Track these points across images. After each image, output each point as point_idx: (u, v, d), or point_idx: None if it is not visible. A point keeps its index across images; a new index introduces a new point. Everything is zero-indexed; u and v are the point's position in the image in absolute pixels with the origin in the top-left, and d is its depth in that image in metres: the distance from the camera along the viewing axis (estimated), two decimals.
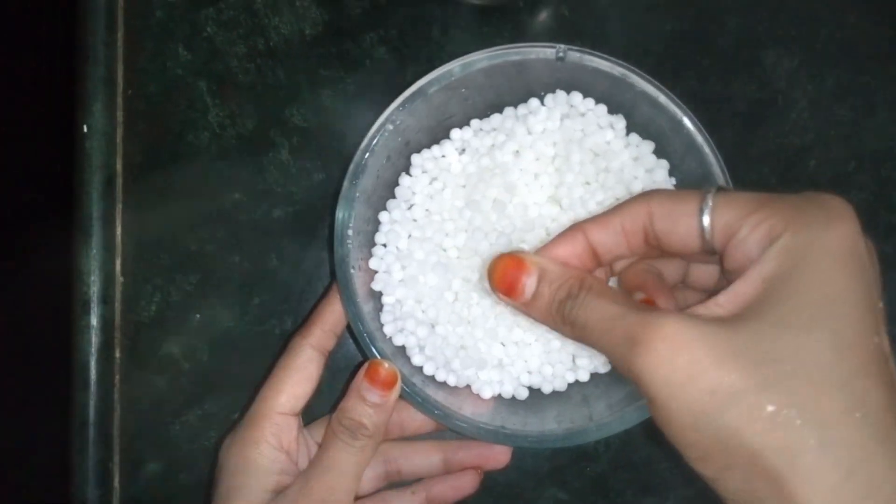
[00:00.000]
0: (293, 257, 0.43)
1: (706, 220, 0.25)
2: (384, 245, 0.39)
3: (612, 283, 0.31)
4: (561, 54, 0.35)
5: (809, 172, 0.43)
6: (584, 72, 0.36)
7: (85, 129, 0.42)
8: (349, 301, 0.36)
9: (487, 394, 0.38)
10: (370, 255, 0.38)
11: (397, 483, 0.39)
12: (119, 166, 0.43)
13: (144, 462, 0.42)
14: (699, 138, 0.35)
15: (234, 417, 0.42)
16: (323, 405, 0.41)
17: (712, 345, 0.23)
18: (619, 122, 0.38)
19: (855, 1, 0.43)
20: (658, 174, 0.37)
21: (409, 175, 0.39)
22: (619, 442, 0.42)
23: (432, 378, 0.38)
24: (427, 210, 0.39)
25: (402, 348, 0.38)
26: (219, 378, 0.42)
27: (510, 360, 0.38)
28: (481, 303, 0.38)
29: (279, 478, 0.36)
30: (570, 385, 0.38)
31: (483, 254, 0.37)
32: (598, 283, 0.27)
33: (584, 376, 0.38)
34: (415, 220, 0.39)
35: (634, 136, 0.38)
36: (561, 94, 0.38)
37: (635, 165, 0.37)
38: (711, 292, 0.29)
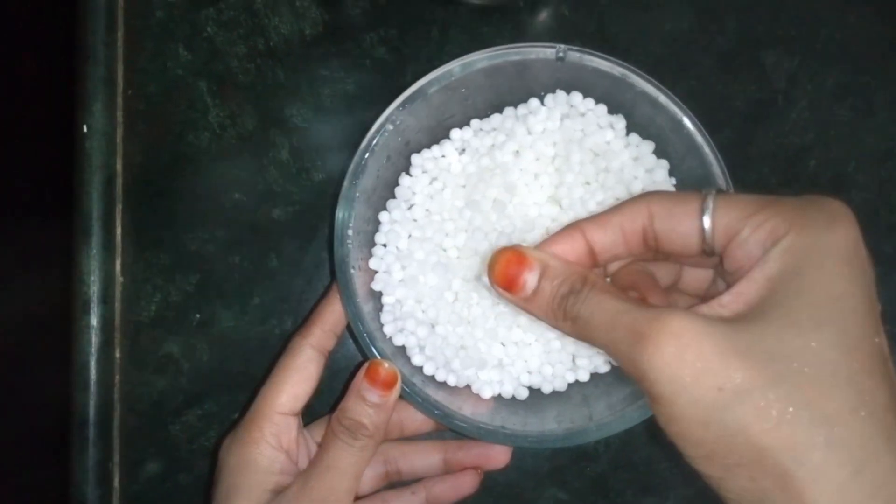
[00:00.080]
0: (293, 257, 0.43)
1: (707, 220, 0.25)
2: (384, 245, 0.39)
3: None
4: (561, 54, 0.35)
5: (809, 172, 0.43)
6: (584, 72, 0.36)
7: (85, 129, 0.42)
8: (349, 301, 0.36)
9: (487, 394, 0.38)
10: (370, 255, 0.38)
11: (397, 483, 0.39)
12: (119, 166, 0.43)
13: (144, 462, 0.42)
14: (699, 138, 0.35)
15: (234, 417, 0.42)
16: (323, 405, 0.41)
17: (719, 342, 0.23)
18: (619, 122, 0.38)
19: (855, 1, 0.43)
20: (658, 174, 0.37)
21: (409, 175, 0.39)
22: (619, 442, 0.42)
23: (432, 378, 0.38)
24: (427, 210, 0.39)
25: (402, 348, 0.38)
26: (219, 378, 0.42)
27: (510, 360, 0.38)
28: (481, 303, 0.38)
29: (279, 478, 0.36)
30: (570, 385, 0.38)
31: (483, 254, 0.37)
32: (601, 280, 0.27)
33: (584, 376, 0.38)
34: (415, 220, 0.39)
35: (634, 136, 0.38)
36: (561, 94, 0.38)
37: (635, 165, 0.37)
38: (702, 297, 0.29)
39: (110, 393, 0.42)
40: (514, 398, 0.38)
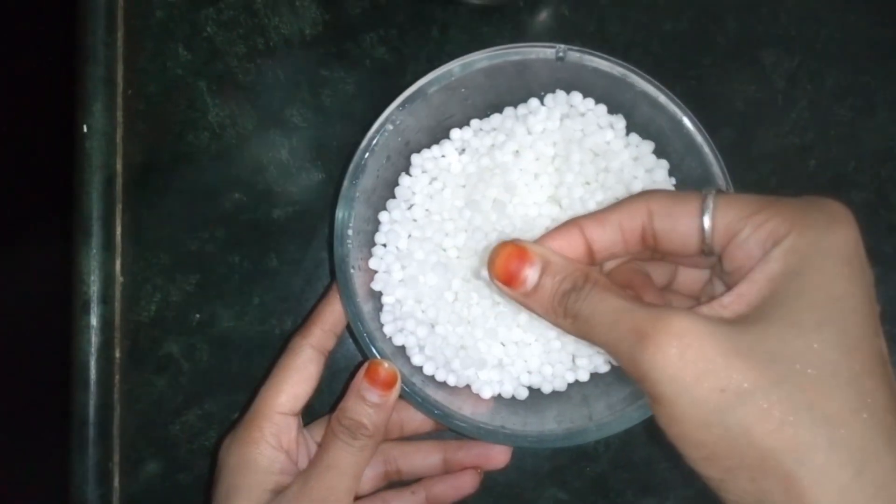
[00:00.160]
0: (293, 257, 0.43)
1: (707, 220, 0.25)
2: (384, 245, 0.39)
3: None
4: (561, 54, 0.35)
5: (809, 172, 0.43)
6: (584, 72, 0.36)
7: (85, 129, 0.42)
8: (349, 301, 0.36)
9: (487, 394, 0.38)
10: (370, 255, 0.38)
11: (397, 483, 0.39)
12: (119, 166, 0.43)
13: (144, 462, 0.42)
14: (699, 138, 0.35)
15: (233, 417, 0.42)
16: (323, 405, 0.41)
17: (721, 343, 0.23)
18: (619, 122, 0.38)
19: (855, 1, 0.43)
20: (658, 174, 0.37)
21: (409, 175, 0.39)
22: (619, 442, 0.42)
23: (432, 378, 0.38)
24: (427, 210, 0.39)
25: (402, 348, 0.38)
26: (219, 378, 0.42)
27: (510, 360, 0.38)
28: (481, 303, 0.38)
29: (279, 477, 0.36)
30: (570, 385, 0.38)
31: (483, 254, 0.37)
32: (602, 278, 0.27)
33: (584, 376, 0.38)
34: (415, 220, 0.39)
35: (634, 136, 0.38)
36: (561, 94, 0.38)
37: (635, 165, 0.37)
38: (697, 297, 0.29)
39: (110, 393, 0.42)
40: (513, 398, 0.38)
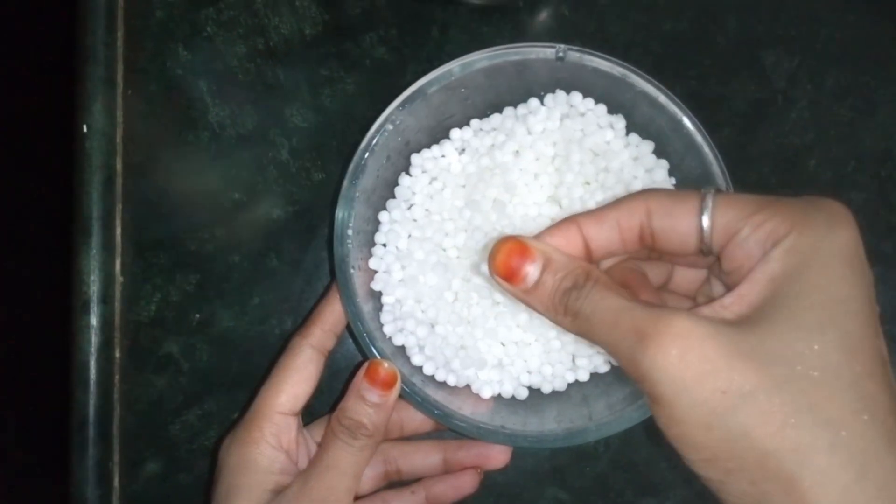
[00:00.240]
0: (293, 257, 0.43)
1: (706, 219, 0.25)
2: (384, 245, 0.39)
3: None
4: (561, 54, 0.35)
5: (809, 172, 0.43)
6: (584, 72, 0.36)
7: (85, 129, 0.42)
8: (349, 301, 0.36)
9: (487, 394, 0.38)
10: (370, 255, 0.38)
11: (397, 483, 0.39)
12: (119, 166, 0.43)
13: (144, 462, 0.42)
14: (699, 138, 0.35)
15: (233, 417, 0.42)
16: (323, 405, 0.41)
17: (723, 344, 0.23)
18: (619, 121, 0.38)
19: (855, 1, 0.43)
20: (658, 174, 0.37)
21: (409, 175, 0.39)
22: (619, 442, 0.42)
23: (432, 378, 0.38)
24: (427, 210, 0.39)
25: (402, 348, 0.38)
26: (219, 378, 0.42)
27: (510, 360, 0.38)
28: (481, 303, 0.38)
29: (279, 477, 0.36)
30: (569, 385, 0.38)
31: (482, 250, 0.37)
32: (604, 276, 0.26)
33: (583, 376, 0.38)
34: (415, 220, 0.39)
35: (634, 136, 0.38)
36: (561, 93, 0.38)
37: (635, 165, 0.37)
38: (693, 298, 0.29)
39: (110, 393, 0.42)
40: (513, 398, 0.38)
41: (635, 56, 0.42)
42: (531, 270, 0.27)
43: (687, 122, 0.35)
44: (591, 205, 0.37)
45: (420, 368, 0.38)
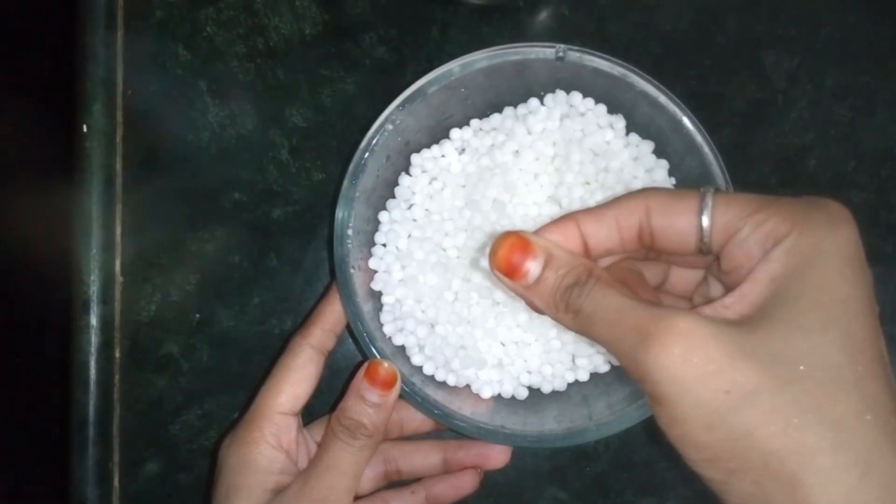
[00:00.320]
0: (293, 257, 0.43)
1: (706, 218, 0.25)
2: (384, 245, 0.39)
3: None
4: (561, 54, 0.35)
5: (809, 172, 0.43)
6: (584, 71, 0.36)
7: (85, 129, 0.42)
8: (349, 301, 0.36)
9: (487, 393, 0.38)
10: (370, 255, 0.38)
11: (397, 483, 0.39)
12: (119, 166, 0.43)
13: (144, 462, 0.42)
14: (699, 138, 0.35)
15: (233, 417, 0.42)
16: (323, 405, 0.41)
17: (726, 344, 0.22)
18: (619, 121, 0.38)
19: (855, 1, 0.43)
20: (658, 174, 0.37)
21: (409, 175, 0.39)
22: (619, 442, 0.42)
23: (432, 378, 0.38)
24: (427, 210, 0.39)
25: (402, 348, 0.38)
26: (218, 378, 0.42)
27: (510, 360, 0.38)
28: (481, 302, 0.38)
29: (279, 477, 0.36)
30: (569, 385, 0.38)
31: (482, 247, 0.37)
32: (605, 274, 0.26)
33: (583, 376, 0.38)
34: (414, 220, 0.39)
35: (634, 136, 0.38)
36: (561, 93, 0.38)
37: (635, 165, 0.37)
38: (689, 299, 0.29)
39: (110, 393, 0.42)
40: (513, 398, 0.38)
41: (635, 56, 0.42)
42: (533, 266, 0.26)
43: (687, 122, 0.35)
44: (591, 205, 0.36)
45: (420, 368, 0.38)
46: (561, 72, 0.37)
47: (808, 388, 0.22)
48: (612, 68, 0.35)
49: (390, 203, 0.39)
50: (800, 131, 0.43)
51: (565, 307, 0.26)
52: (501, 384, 0.38)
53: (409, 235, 0.38)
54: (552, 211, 0.38)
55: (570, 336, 0.37)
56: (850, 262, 0.23)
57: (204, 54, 0.43)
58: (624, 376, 0.36)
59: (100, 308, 0.42)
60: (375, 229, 0.39)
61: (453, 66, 0.36)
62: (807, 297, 0.23)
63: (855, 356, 0.23)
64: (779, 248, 0.24)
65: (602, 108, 0.38)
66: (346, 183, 0.36)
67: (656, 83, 0.35)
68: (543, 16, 0.43)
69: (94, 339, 0.42)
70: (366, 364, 0.35)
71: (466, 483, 0.39)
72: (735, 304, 0.24)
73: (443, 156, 0.39)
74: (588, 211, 0.27)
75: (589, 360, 0.38)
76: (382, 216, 0.39)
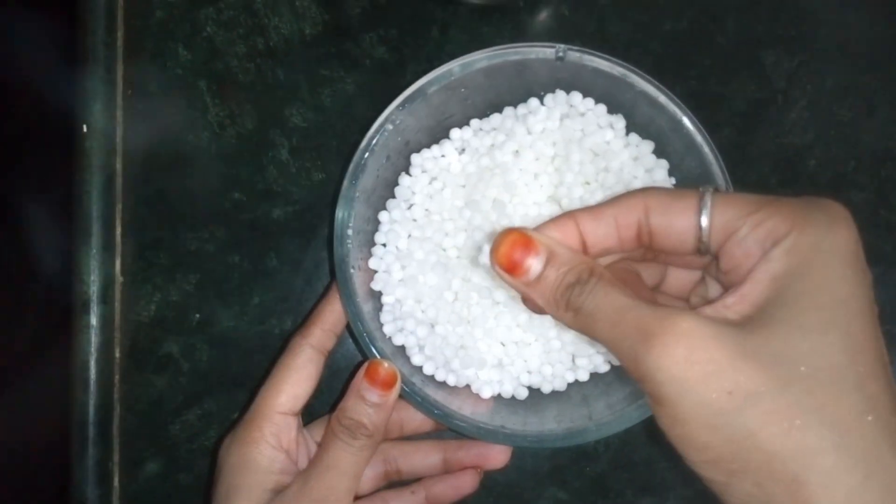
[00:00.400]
0: (293, 257, 0.43)
1: (705, 218, 0.25)
2: (384, 245, 0.39)
3: None
4: (561, 54, 0.35)
5: (809, 172, 0.43)
6: (584, 71, 0.36)
7: (85, 129, 0.42)
8: (349, 301, 0.36)
9: (487, 393, 0.38)
10: (370, 255, 0.38)
11: (397, 483, 0.39)
12: (119, 166, 0.43)
13: (144, 462, 0.42)
14: (699, 138, 0.35)
15: (233, 417, 0.42)
16: (323, 405, 0.41)
17: (728, 344, 0.22)
18: (619, 121, 0.38)
19: (855, 1, 0.43)
20: (658, 174, 0.37)
21: (409, 175, 0.39)
22: (619, 442, 0.42)
23: (432, 378, 0.38)
24: (427, 210, 0.39)
25: (402, 348, 0.38)
26: (218, 378, 0.42)
27: (510, 360, 0.38)
28: (481, 302, 0.38)
29: (279, 477, 0.36)
30: (569, 385, 0.38)
31: (482, 245, 0.37)
32: (607, 273, 0.26)
33: (583, 376, 0.38)
34: (414, 220, 0.39)
35: (634, 136, 0.38)
36: (560, 93, 0.38)
37: (635, 165, 0.37)
38: (686, 300, 0.29)
39: (110, 393, 0.42)
40: (513, 398, 0.38)
41: (635, 56, 0.42)
42: (534, 264, 0.26)
43: (687, 122, 0.35)
44: (591, 204, 0.37)
45: (420, 368, 0.38)
46: (561, 72, 0.37)
47: (810, 389, 0.22)
48: (612, 68, 0.35)
49: (390, 203, 0.39)
50: (800, 131, 0.43)
51: (566, 305, 0.26)
52: (501, 384, 0.38)
53: (409, 235, 0.38)
54: (552, 211, 0.38)
55: (570, 336, 0.37)
56: (850, 262, 0.23)
57: (204, 54, 0.43)
58: (624, 376, 0.36)
59: (100, 308, 0.42)
60: (375, 229, 0.39)
61: (453, 66, 0.36)
62: (807, 297, 0.23)
63: (855, 356, 0.22)
64: (779, 248, 0.24)
65: (602, 108, 0.38)
66: (346, 183, 0.36)
67: (656, 83, 0.35)
68: (543, 16, 0.43)
69: (94, 339, 0.42)
70: (366, 364, 0.35)
71: (466, 483, 0.39)
72: (736, 304, 0.24)
73: (443, 156, 0.39)
74: (587, 209, 0.27)
75: (589, 360, 0.38)
76: (382, 216, 0.39)
